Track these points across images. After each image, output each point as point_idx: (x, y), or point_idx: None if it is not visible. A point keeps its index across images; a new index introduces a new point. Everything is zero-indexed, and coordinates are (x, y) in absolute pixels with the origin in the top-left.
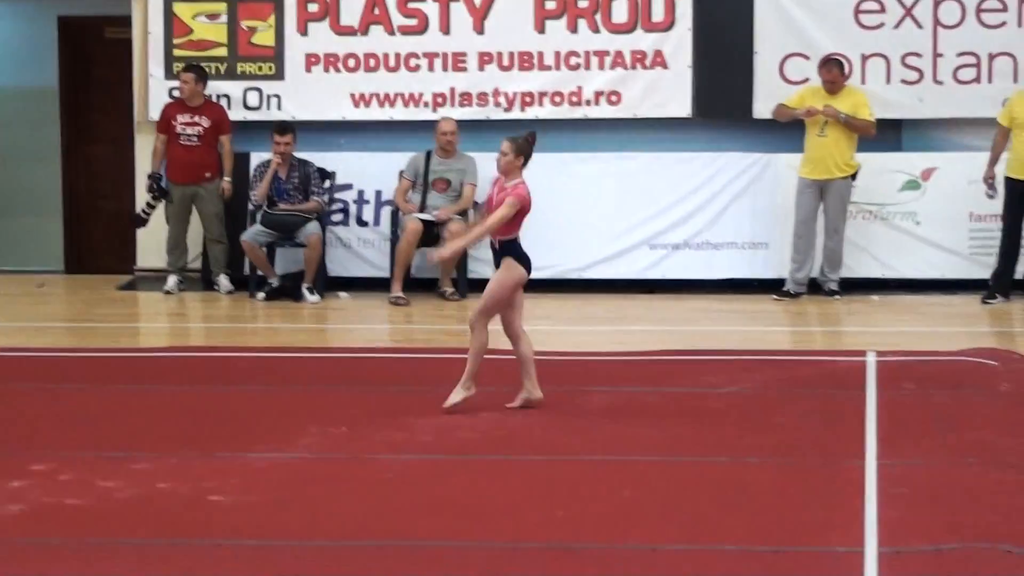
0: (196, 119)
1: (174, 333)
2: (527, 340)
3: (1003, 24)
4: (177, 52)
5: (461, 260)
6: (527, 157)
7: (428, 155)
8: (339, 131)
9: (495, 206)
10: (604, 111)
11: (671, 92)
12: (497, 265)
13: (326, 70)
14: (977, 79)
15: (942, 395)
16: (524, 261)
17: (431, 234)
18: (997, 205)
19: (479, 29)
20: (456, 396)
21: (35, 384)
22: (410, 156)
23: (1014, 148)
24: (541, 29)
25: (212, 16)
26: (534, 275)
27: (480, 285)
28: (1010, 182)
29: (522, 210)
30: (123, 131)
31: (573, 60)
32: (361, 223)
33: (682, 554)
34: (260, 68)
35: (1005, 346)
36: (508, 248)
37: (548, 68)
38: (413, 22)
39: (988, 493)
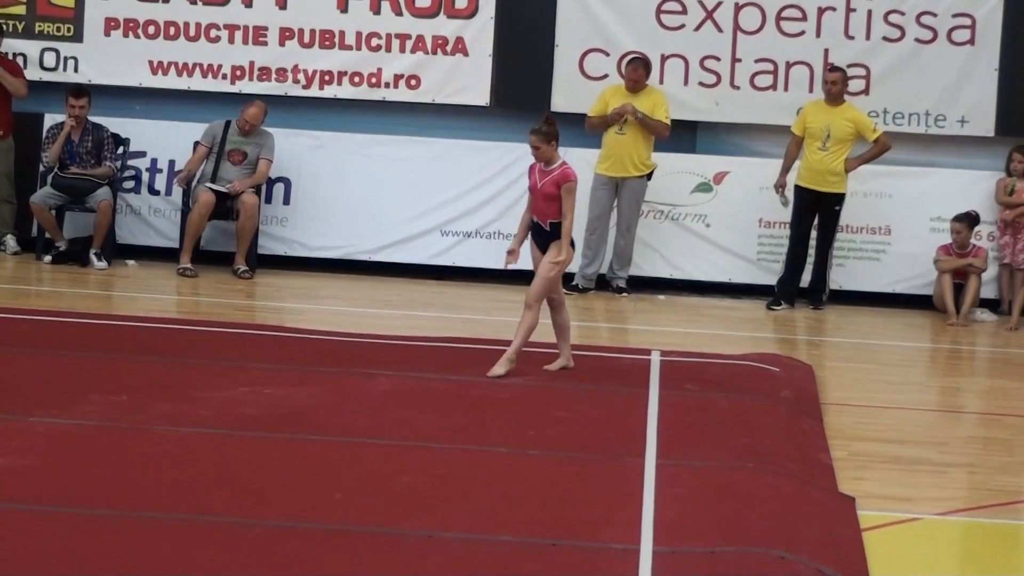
0: None
1: None
2: (566, 310)
3: (802, 33)
4: None
5: (254, 237)
6: (557, 137)
7: (227, 125)
8: (135, 97)
9: (539, 191)
10: (403, 94)
11: (470, 80)
12: (542, 247)
13: (125, 35)
14: (773, 86)
15: (723, 398)
16: (571, 242)
17: (223, 206)
18: (786, 212)
19: (281, 4)
20: (501, 368)
21: None
22: (208, 124)
23: (806, 158)
24: (344, 8)
25: None
26: (324, 255)
27: (271, 262)
28: (800, 191)
29: None
30: None
31: (374, 41)
32: (153, 192)
33: (458, 542)
34: (59, 29)
35: (787, 353)
36: (558, 229)
37: (349, 48)
38: None
39: (764, 498)
